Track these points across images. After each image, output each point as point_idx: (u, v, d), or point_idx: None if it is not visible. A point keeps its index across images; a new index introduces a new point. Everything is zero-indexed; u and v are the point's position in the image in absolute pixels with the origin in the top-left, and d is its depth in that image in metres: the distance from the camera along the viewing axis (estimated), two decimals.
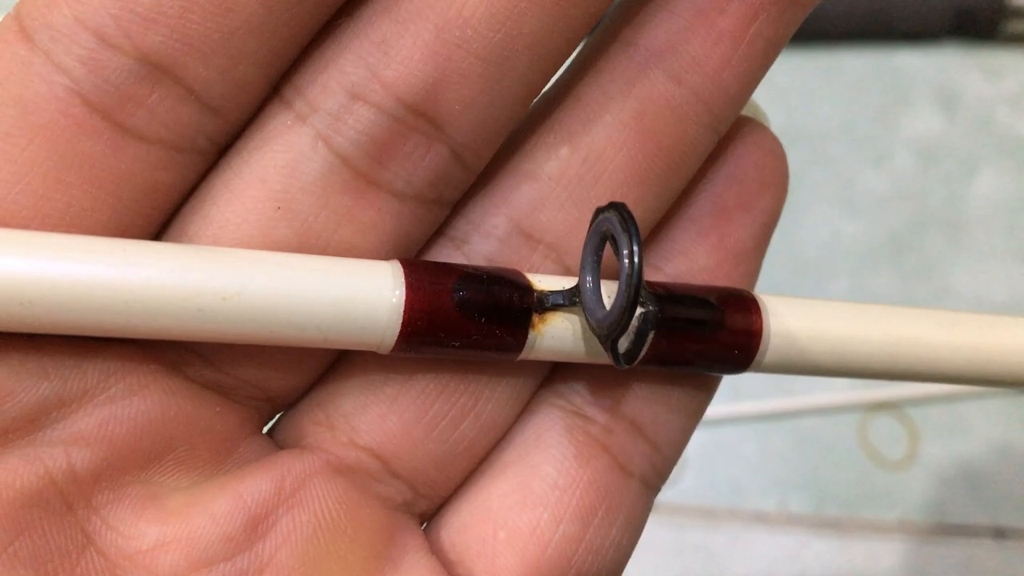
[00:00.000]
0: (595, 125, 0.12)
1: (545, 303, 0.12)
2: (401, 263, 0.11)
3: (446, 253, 0.13)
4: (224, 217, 0.11)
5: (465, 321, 0.11)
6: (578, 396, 0.13)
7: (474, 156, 0.12)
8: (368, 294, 0.11)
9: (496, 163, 0.12)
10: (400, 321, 0.11)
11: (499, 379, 0.12)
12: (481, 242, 0.12)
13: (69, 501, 0.11)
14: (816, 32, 0.41)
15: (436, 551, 0.13)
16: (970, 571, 0.33)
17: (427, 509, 0.13)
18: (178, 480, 0.11)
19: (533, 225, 0.12)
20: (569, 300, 0.12)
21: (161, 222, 0.11)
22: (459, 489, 0.13)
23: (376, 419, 0.12)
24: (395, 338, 0.11)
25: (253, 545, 0.11)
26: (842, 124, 0.40)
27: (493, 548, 0.12)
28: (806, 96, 0.40)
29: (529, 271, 0.12)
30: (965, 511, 0.34)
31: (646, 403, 0.13)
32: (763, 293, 0.13)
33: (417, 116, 0.11)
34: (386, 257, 0.12)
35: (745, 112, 0.13)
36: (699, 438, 0.35)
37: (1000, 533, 0.34)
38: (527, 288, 0.12)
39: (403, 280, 0.11)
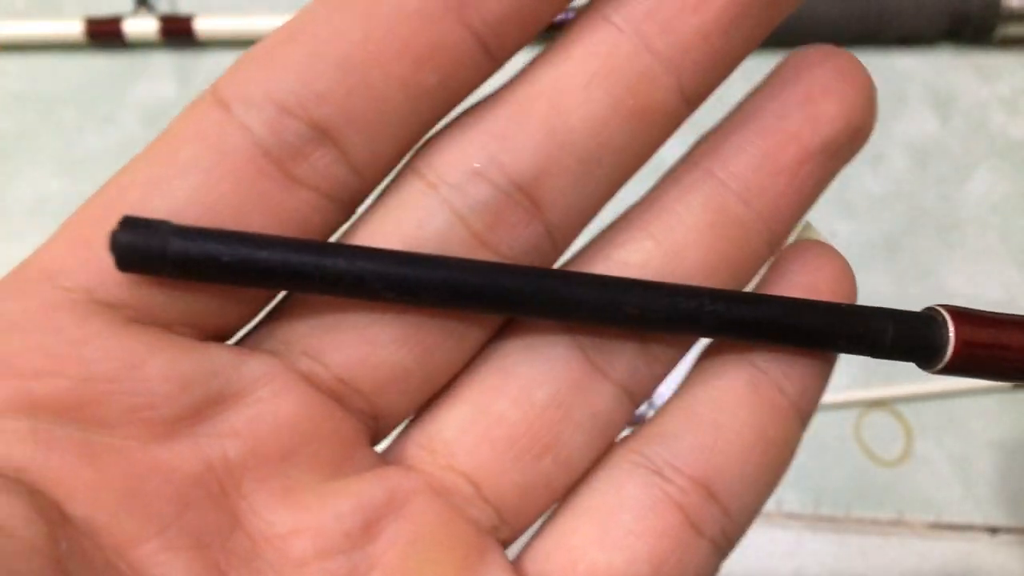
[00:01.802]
0: (677, 227, 0.14)
1: None
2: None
3: None
4: None
5: None
6: (658, 455, 0.14)
7: (563, 237, 0.14)
8: None
9: (590, 251, 0.15)
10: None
11: (582, 426, 0.14)
12: None
13: (223, 486, 0.13)
14: (812, 36, 0.41)
15: (518, 573, 0.14)
16: (965, 568, 0.34)
17: (509, 537, 0.15)
18: (307, 476, 0.13)
19: None
20: None
21: None
22: (540, 521, 0.15)
23: (472, 448, 0.14)
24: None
25: (366, 544, 0.13)
26: None
27: None
28: None
29: None
30: (960, 508, 0.34)
31: (724, 474, 0.14)
32: None
33: (523, 195, 0.14)
34: None
35: (804, 235, 0.16)
36: None
37: (995, 530, 0.34)
38: None
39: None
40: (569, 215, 0.14)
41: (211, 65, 0.43)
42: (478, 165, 0.14)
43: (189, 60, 0.43)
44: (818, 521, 0.34)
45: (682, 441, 0.14)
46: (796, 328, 0.14)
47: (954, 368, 0.14)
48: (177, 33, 0.42)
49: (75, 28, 0.42)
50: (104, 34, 0.42)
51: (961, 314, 0.14)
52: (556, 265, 0.15)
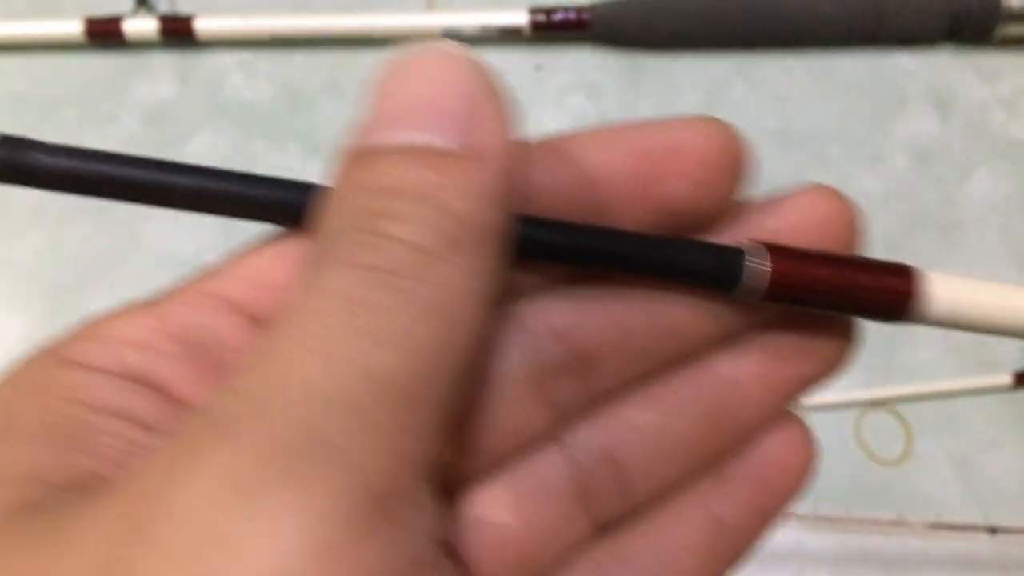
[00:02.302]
0: None
1: None
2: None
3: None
4: None
5: None
6: None
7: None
8: None
9: None
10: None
11: (561, 554, 0.16)
12: None
13: None
14: (813, 36, 0.41)
15: None
16: (965, 567, 0.34)
17: None
18: None
19: None
20: None
21: None
22: None
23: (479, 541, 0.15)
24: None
25: None
26: (838, 126, 0.41)
27: None
28: (803, 99, 0.41)
29: None
30: (960, 508, 0.34)
31: None
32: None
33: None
34: None
35: None
36: None
37: (995, 530, 0.34)
38: None
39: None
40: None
41: (211, 65, 0.43)
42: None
43: (189, 60, 0.43)
44: (818, 521, 0.34)
45: None
46: (608, 253, 0.14)
47: (769, 296, 0.15)
48: (177, 33, 0.42)
49: (75, 28, 0.42)
50: (104, 34, 0.42)
51: (773, 247, 0.15)
52: None
